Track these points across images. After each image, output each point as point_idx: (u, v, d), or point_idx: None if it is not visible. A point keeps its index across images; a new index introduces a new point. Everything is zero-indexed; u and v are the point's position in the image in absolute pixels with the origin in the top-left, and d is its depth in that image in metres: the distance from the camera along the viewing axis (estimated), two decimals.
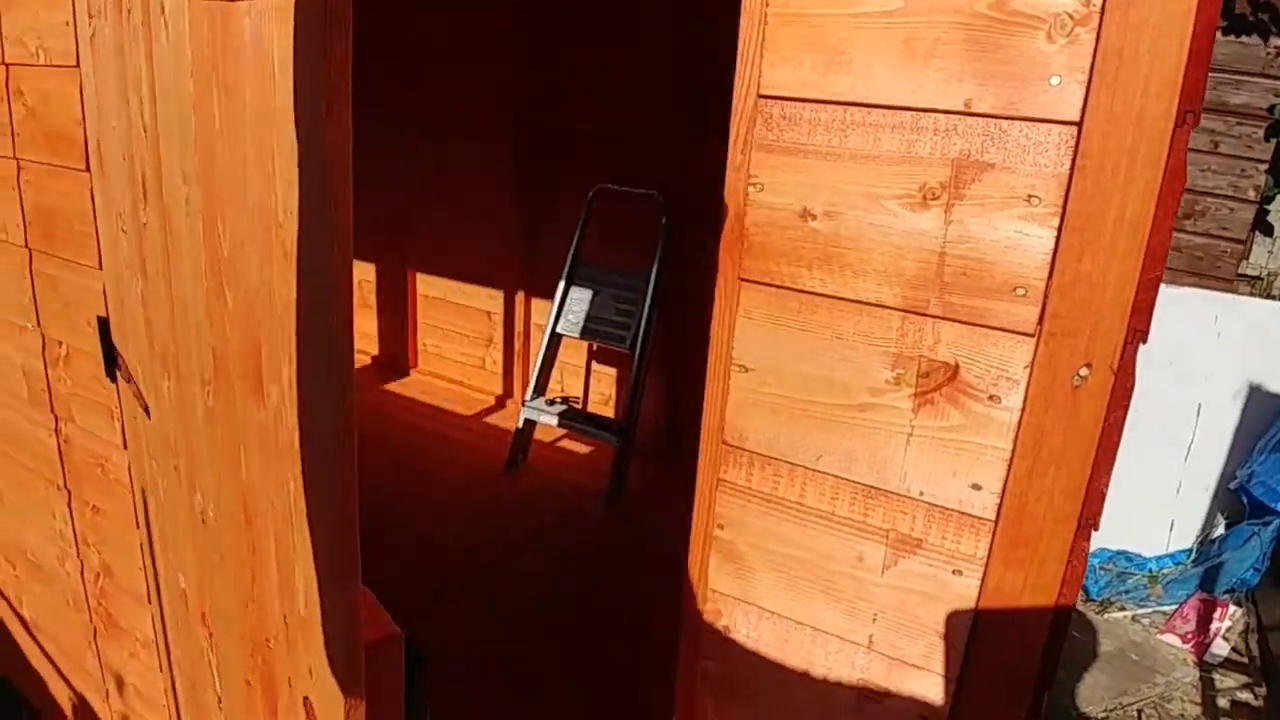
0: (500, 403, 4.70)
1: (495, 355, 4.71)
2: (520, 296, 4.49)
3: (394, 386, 4.87)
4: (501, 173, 4.36)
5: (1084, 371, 1.10)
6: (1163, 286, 1.10)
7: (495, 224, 4.47)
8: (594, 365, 4.38)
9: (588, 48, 3.99)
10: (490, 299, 4.64)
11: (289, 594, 1.33)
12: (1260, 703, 3.00)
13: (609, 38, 3.92)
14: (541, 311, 4.46)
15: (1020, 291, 1.11)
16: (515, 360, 4.62)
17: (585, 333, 3.98)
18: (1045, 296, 1.10)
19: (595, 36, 3.96)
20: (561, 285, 4.04)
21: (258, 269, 1.22)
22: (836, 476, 1.31)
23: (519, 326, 4.54)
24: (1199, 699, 3.03)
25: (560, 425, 3.98)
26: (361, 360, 5.18)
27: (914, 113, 1.12)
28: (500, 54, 4.21)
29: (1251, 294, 4.47)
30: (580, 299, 4.01)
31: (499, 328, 4.66)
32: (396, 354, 5.08)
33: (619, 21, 3.87)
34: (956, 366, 1.18)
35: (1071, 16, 1.01)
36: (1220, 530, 3.61)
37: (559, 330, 4.04)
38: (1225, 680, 3.11)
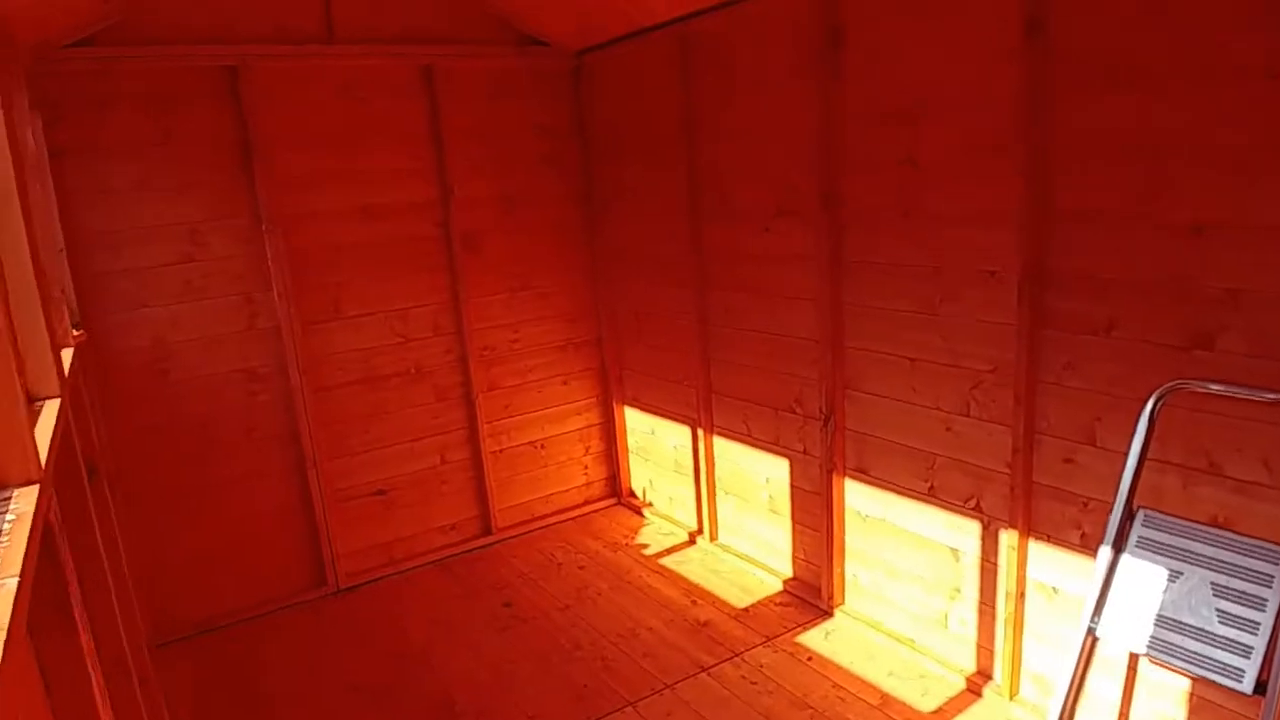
0: (975, 690, 3.10)
1: (965, 613, 3.15)
2: (1011, 537, 2.90)
3: (811, 637, 3.50)
4: (992, 331, 2.87)
5: None
6: None
7: (969, 421, 2.97)
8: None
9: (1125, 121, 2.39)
10: (958, 531, 3.11)
11: None
12: None
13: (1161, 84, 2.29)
14: (1043, 562, 2.83)
15: None
16: (1000, 628, 3.01)
17: (1157, 647, 2.29)
18: None
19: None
20: (1105, 552, 2.39)
21: None
22: None
23: (1008, 582, 2.94)
24: None
25: None
26: (770, 585, 3.91)
27: None
28: (998, 164, 2.78)
29: None
30: (1141, 581, 2.33)
31: (971, 575, 3.10)
32: (816, 583, 3.73)
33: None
34: None
35: None
36: None
37: (1101, 634, 2.39)
38: None
